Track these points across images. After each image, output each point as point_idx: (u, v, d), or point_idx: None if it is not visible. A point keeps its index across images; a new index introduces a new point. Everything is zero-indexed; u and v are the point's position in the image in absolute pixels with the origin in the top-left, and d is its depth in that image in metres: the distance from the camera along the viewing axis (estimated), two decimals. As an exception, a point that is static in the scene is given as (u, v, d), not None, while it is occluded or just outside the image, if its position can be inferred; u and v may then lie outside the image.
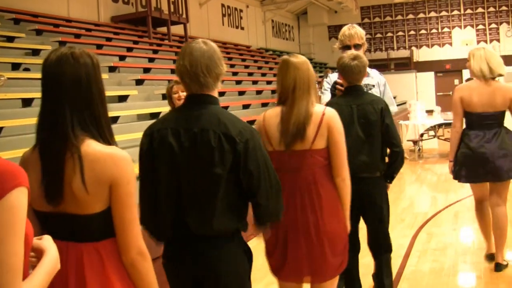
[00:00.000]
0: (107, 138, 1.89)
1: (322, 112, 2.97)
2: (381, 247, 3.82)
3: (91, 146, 1.83)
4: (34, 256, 1.52)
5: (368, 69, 4.39)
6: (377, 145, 3.60)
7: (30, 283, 1.39)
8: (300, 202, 2.94)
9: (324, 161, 2.97)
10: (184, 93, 4.27)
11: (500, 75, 4.66)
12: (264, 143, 3.02)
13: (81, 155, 1.80)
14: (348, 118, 3.56)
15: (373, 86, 4.28)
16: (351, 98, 3.57)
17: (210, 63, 2.39)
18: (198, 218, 2.39)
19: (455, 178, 4.92)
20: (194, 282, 2.46)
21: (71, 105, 1.84)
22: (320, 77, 13.58)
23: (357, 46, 4.24)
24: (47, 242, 1.54)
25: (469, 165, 4.70)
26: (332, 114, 2.99)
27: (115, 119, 7.85)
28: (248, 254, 2.53)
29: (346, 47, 4.22)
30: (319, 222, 2.93)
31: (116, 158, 1.84)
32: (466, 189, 8.97)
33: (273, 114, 3.04)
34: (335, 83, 3.78)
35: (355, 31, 4.27)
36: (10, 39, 9.51)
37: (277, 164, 3.01)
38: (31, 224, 1.45)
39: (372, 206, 3.72)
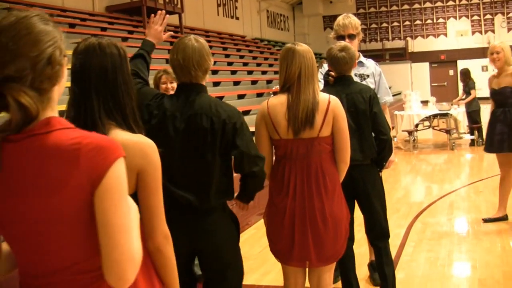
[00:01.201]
0: (132, 127, 1.91)
1: (328, 100, 3.03)
2: (377, 233, 3.82)
3: (118, 135, 1.85)
4: None
5: (364, 59, 4.39)
6: (367, 133, 3.64)
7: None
8: (308, 189, 3.01)
9: (329, 148, 3.06)
10: (173, 85, 4.30)
11: None
12: (270, 132, 3.05)
13: None
14: None
15: (368, 76, 4.27)
16: (340, 87, 3.60)
17: (200, 60, 2.72)
18: (197, 195, 2.67)
19: None
20: (190, 254, 2.68)
21: (97, 94, 1.88)
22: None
23: (352, 36, 4.21)
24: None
25: None
26: (337, 102, 3.07)
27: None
28: (235, 222, 2.86)
29: (340, 37, 4.18)
30: (325, 208, 3.01)
31: (143, 146, 1.85)
32: (461, 179, 9.05)
33: (277, 102, 3.05)
34: (329, 70, 3.79)
35: (349, 21, 4.24)
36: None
37: (284, 152, 3.06)
38: None
39: (365, 193, 3.73)
